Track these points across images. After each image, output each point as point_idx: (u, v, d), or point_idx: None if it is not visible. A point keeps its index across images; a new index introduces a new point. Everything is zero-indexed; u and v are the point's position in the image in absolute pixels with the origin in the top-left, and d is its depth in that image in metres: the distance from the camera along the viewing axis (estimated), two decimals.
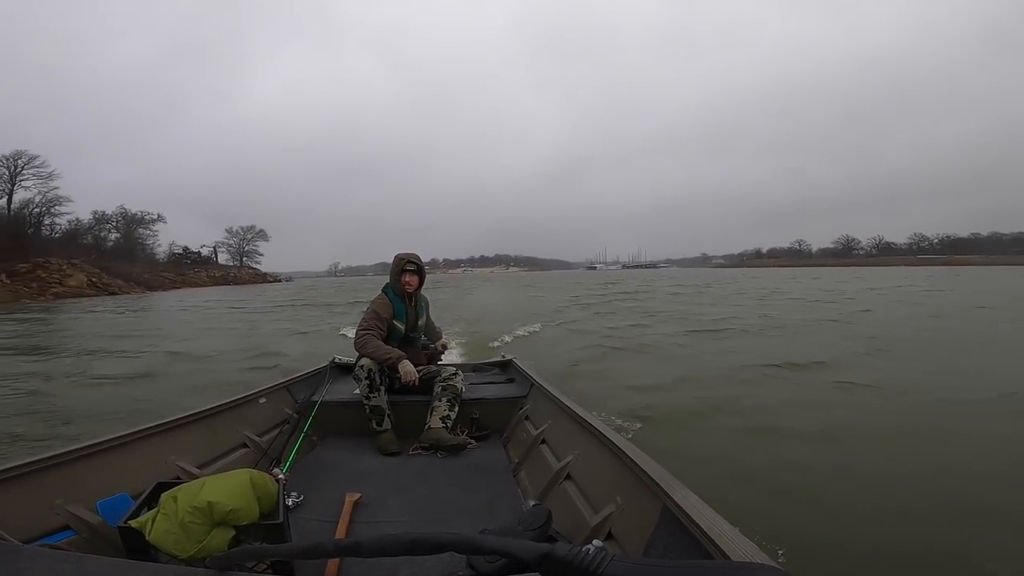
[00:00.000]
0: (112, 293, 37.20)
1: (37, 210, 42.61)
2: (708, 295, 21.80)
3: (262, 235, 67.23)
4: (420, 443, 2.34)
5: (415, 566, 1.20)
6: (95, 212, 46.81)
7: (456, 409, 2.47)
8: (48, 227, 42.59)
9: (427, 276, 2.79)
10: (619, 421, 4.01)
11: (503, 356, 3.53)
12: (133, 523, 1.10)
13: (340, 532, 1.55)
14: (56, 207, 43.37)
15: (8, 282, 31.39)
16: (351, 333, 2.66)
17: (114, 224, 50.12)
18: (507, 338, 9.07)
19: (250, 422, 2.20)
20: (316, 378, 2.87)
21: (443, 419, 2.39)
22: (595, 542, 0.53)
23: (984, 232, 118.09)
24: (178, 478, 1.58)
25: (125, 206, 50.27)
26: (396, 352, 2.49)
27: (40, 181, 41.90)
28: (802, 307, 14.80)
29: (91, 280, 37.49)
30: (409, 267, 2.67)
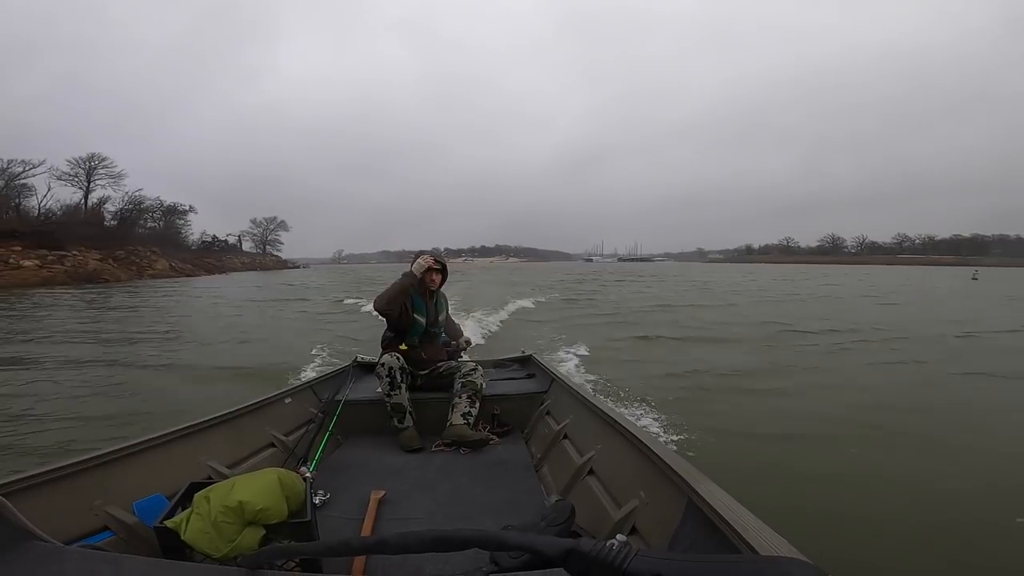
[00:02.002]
0: (187, 275, 44.31)
1: (131, 207, 49.08)
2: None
3: (283, 225, 75.18)
4: (443, 440, 2.36)
5: (440, 562, 1.21)
6: (136, 204, 50.66)
7: (477, 405, 2.48)
8: (116, 219, 48.28)
9: None
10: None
11: (523, 352, 3.53)
12: (168, 523, 1.13)
13: (366, 529, 1.57)
14: (140, 204, 50.27)
15: (116, 266, 37.88)
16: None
17: (151, 214, 54.78)
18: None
19: (276, 422, 2.24)
20: (339, 377, 2.92)
21: (464, 415, 2.40)
22: (619, 537, 0.52)
23: (966, 233, 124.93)
24: (210, 478, 1.63)
25: (161, 197, 54.88)
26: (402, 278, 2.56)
27: (112, 180, 47.56)
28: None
29: (170, 265, 45.41)
30: (435, 266, 2.72)
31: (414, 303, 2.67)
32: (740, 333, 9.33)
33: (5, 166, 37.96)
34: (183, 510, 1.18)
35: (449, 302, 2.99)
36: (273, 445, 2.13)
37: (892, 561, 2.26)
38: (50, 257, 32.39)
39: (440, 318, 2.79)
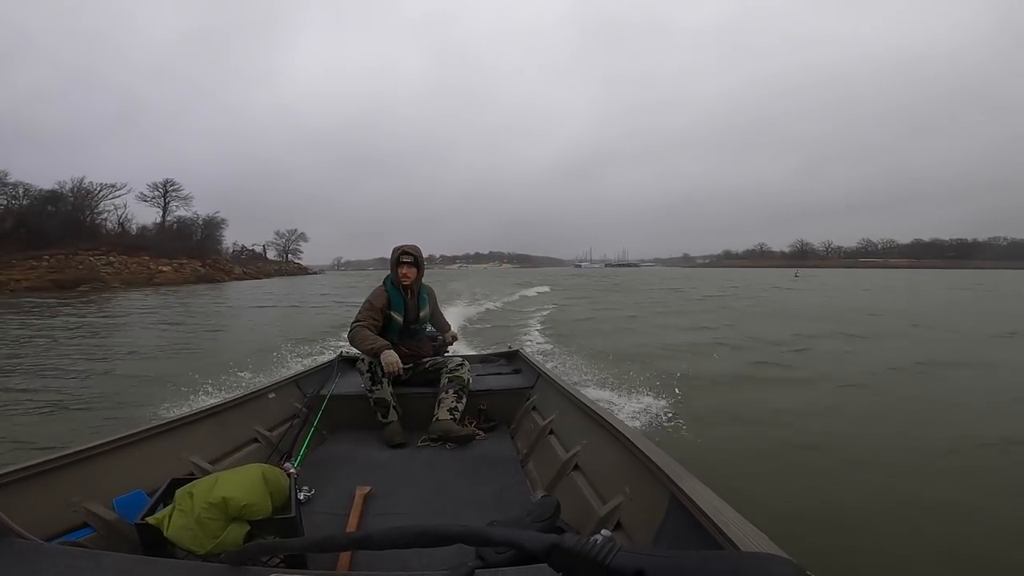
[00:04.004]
0: (253, 278, 54.52)
1: (215, 224, 59.24)
2: None
3: (303, 237, 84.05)
4: (428, 435, 2.36)
5: (425, 557, 1.22)
6: (179, 218, 56.99)
7: (463, 400, 2.48)
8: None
9: (428, 271, 2.79)
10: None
11: (509, 347, 3.54)
12: (151, 519, 1.11)
13: (351, 525, 1.57)
14: (220, 225, 59.92)
15: (211, 270, 48.54)
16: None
17: (195, 226, 60.02)
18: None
19: (260, 417, 2.22)
20: (325, 372, 2.90)
21: (451, 410, 2.40)
22: (603, 532, 0.53)
23: (926, 238, 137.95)
24: (192, 474, 1.61)
25: (198, 212, 60.77)
26: (380, 342, 2.48)
27: (182, 200, 56.45)
28: None
29: (243, 271, 56.71)
30: (405, 259, 2.65)
31: (390, 299, 2.64)
32: None
33: (98, 189, 46.13)
34: (164, 506, 1.17)
35: (437, 296, 2.98)
36: (257, 440, 2.11)
37: None
38: (174, 264, 44.08)
39: (422, 314, 2.75)
